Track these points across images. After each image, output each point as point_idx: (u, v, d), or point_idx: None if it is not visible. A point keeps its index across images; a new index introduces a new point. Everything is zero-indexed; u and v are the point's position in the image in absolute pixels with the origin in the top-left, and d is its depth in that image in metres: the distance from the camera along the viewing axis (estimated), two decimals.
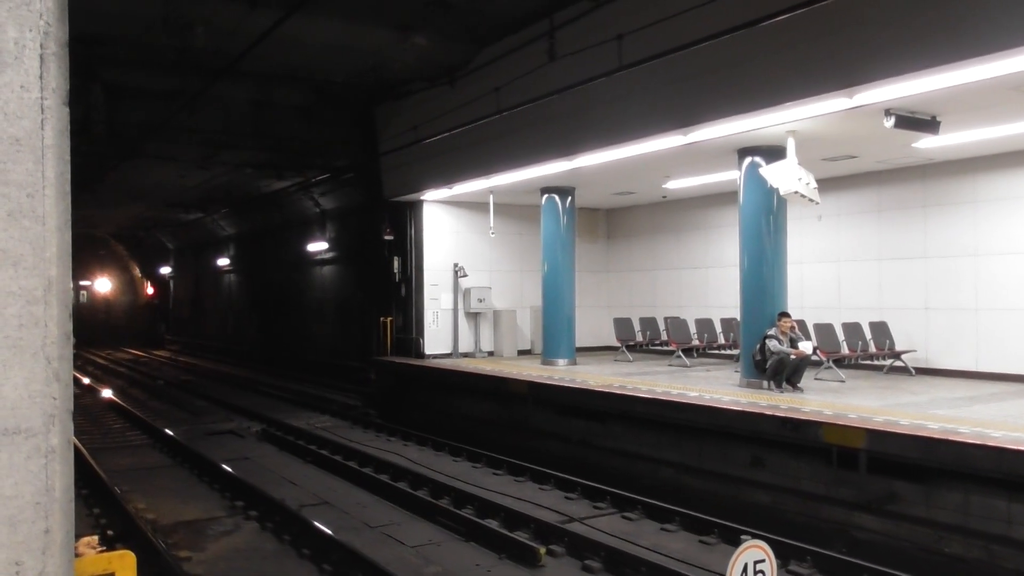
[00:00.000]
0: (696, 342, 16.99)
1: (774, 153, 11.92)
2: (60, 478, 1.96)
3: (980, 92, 9.16)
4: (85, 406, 18.93)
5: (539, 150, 14.21)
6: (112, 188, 24.01)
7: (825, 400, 11.09)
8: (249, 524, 9.54)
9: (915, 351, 14.13)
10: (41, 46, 1.93)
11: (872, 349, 14.11)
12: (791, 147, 11.46)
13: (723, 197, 17.27)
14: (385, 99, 18.68)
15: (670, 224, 19.83)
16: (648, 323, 18.37)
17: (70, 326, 2.02)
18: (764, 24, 8.72)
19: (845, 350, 13.97)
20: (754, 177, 12.35)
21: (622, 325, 18.44)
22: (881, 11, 8.91)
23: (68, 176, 2.02)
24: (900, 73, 8.69)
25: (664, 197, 18.87)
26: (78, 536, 2.30)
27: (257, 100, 18.25)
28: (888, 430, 8.79)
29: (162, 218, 33.98)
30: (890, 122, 9.92)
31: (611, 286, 21.49)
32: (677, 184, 16.57)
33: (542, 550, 8.14)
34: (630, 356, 17.78)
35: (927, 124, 10.34)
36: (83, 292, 44.50)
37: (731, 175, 13.72)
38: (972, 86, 8.76)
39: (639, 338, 18.14)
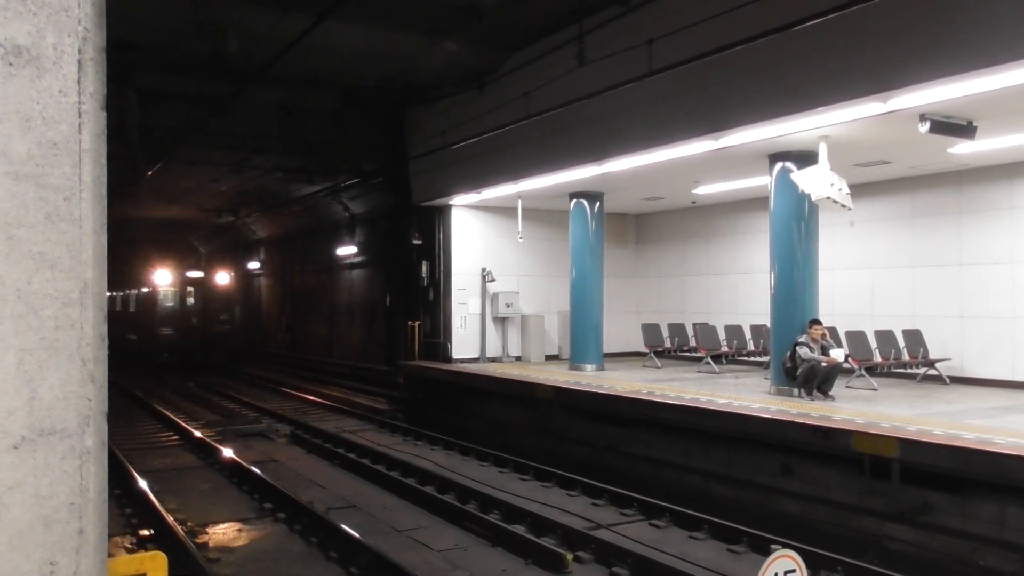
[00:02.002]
0: (725, 349, 16.85)
1: (806, 158, 11.80)
2: (94, 479, 1.98)
3: (1018, 96, 9.00)
4: (117, 407, 19.20)
5: (568, 155, 14.19)
6: (146, 192, 24.32)
7: (857, 408, 10.94)
8: (277, 526, 9.60)
9: (950, 359, 13.90)
10: (79, 51, 1.95)
11: (905, 357, 13.91)
12: (823, 152, 11.34)
13: (753, 203, 17.13)
14: (414, 104, 18.78)
15: (699, 229, 19.71)
16: (677, 329, 18.26)
17: (105, 328, 2.04)
18: (797, 28, 8.63)
19: (878, 358, 13.78)
20: (785, 182, 12.23)
21: (650, 331, 18.34)
22: (916, 14, 8.80)
23: (104, 180, 2.04)
24: (935, 77, 8.57)
25: (694, 202, 18.77)
26: (111, 536, 2.33)
27: (288, 105, 18.43)
28: (922, 439, 8.65)
29: (194, 222, 34.37)
30: (925, 127, 9.77)
31: (639, 292, 21.39)
32: (707, 189, 16.47)
33: (569, 556, 8.10)
34: (658, 362, 17.68)
35: (963, 129, 10.17)
36: (190, 290, 33.94)
37: (762, 180, 13.61)
38: (1009, 90, 8.61)
39: (667, 344, 18.03)
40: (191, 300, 32.96)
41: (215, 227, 34.90)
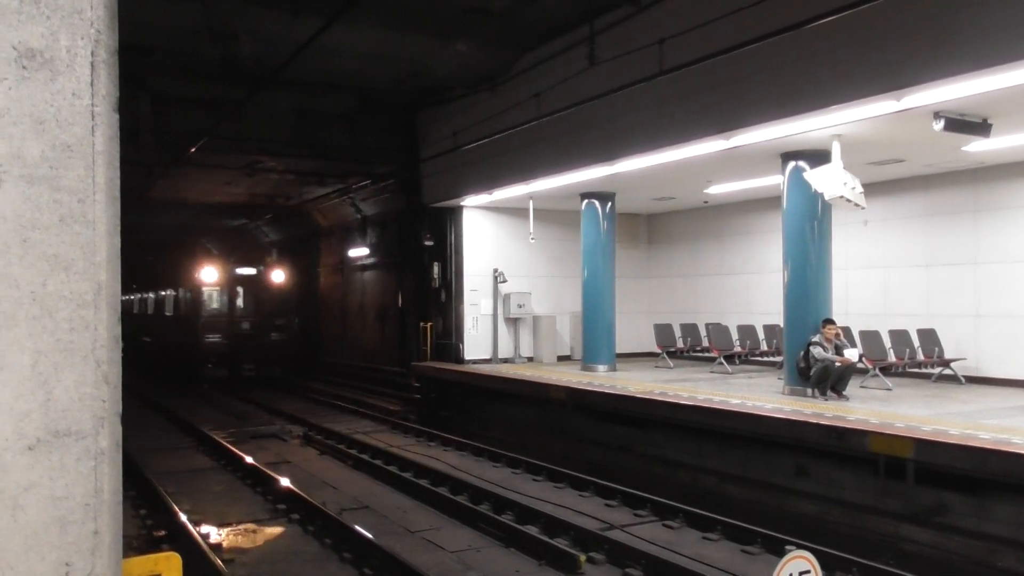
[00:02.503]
0: (738, 349, 16.79)
1: (819, 157, 11.74)
2: (109, 480, 1.98)
3: None
4: (131, 409, 19.30)
5: (579, 155, 14.18)
6: (159, 195, 24.45)
7: (871, 408, 10.88)
8: (291, 527, 9.63)
9: (965, 359, 13.80)
10: (92, 54, 1.96)
11: (920, 357, 13.82)
12: (836, 151, 11.28)
13: (766, 202, 17.06)
14: (426, 106, 18.80)
15: (711, 229, 19.65)
16: (689, 329, 18.21)
17: (119, 330, 2.04)
18: (809, 26, 8.59)
19: (892, 358, 13.69)
20: (798, 182, 12.18)
21: (663, 331, 18.30)
22: (929, 10, 8.74)
23: (117, 182, 2.05)
24: (950, 75, 8.51)
25: (705, 202, 18.71)
26: (125, 537, 2.33)
27: (300, 108, 18.49)
28: (937, 440, 8.59)
29: (206, 225, 34.47)
30: (939, 125, 9.71)
31: (652, 292, 21.34)
32: (719, 189, 16.41)
33: (582, 557, 8.09)
34: (671, 363, 17.63)
35: (978, 127, 10.10)
36: (238, 290, 26.57)
37: (774, 180, 13.56)
38: None
39: (680, 344, 17.98)
40: (241, 301, 26.21)
41: (226, 230, 34.95)
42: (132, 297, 38.30)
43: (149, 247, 39.39)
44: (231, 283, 25.89)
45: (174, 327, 28.43)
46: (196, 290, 25.61)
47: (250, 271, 26.59)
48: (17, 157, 1.88)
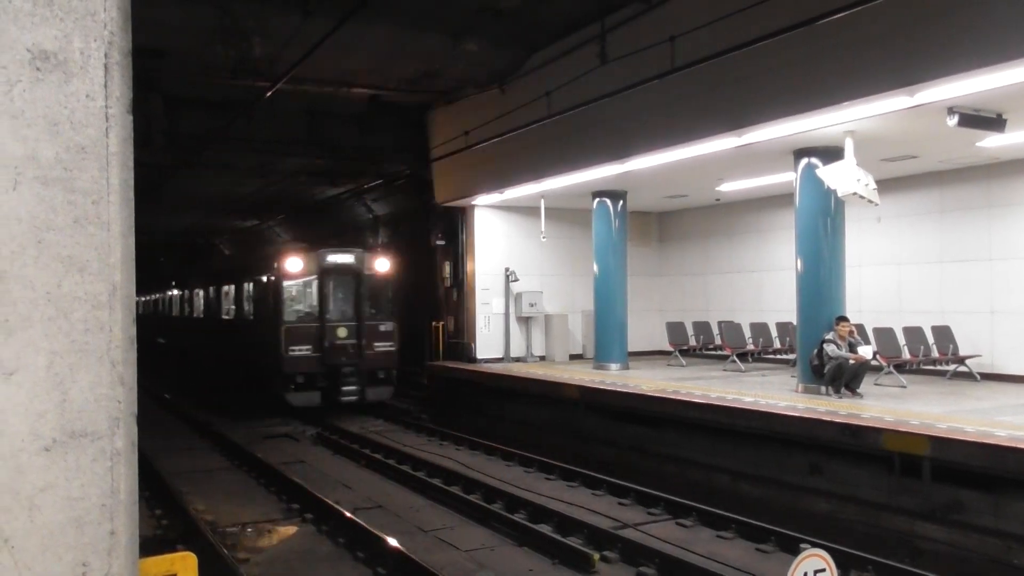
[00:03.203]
0: (751, 347, 16.73)
1: (831, 154, 11.69)
2: (125, 480, 1.99)
3: None
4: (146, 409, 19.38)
5: (591, 153, 14.16)
6: (171, 196, 24.57)
7: (886, 406, 10.81)
8: (305, 527, 9.65)
9: (980, 356, 13.71)
10: (106, 55, 1.96)
11: (935, 354, 13.74)
12: (849, 147, 11.22)
13: (778, 199, 16.99)
14: (437, 105, 18.81)
15: (724, 227, 19.58)
16: (701, 327, 18.15)
17: (134, 330, 2.05)
18: (821, 22, 8.54)
19: (906, 355, 13.62)
20: (811, 179, 12.12)
21: (675, 329, 18.25)
22: (942, 5, 8.67)
23: (131, 183, 2.05)
24: (963, 70, 8.44)
25: (717, 200, 18.65)
26: (141, 537, 2.34)
27: (311, 108, 18.53)
28: (953, 437, 8.53)
29: (218, 225, 34.59)
30: (953, 121, 9.65)
31: (663, 290, 21.29)
32: (731, 186, 16.35)
33: (596, 556, 8.07)
34: (683, 361, 17.58)
35: (992, 122, 10.03)
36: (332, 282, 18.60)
37: (787, 177, 13.50)
38: None
39: (692, 343, 17.92)
40: (337, 299, 18.50)
41: (239, 231, 34.95)
42: (167, 296, 31.52)
43: (195, 232, 34.41)
44: (322, 275, 18.13)
45: (239, 337, 21.11)
46: (274, 286, 18.13)
47: (346, 258, 18.43)
48: (32, 159, 1.89)
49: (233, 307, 22.28)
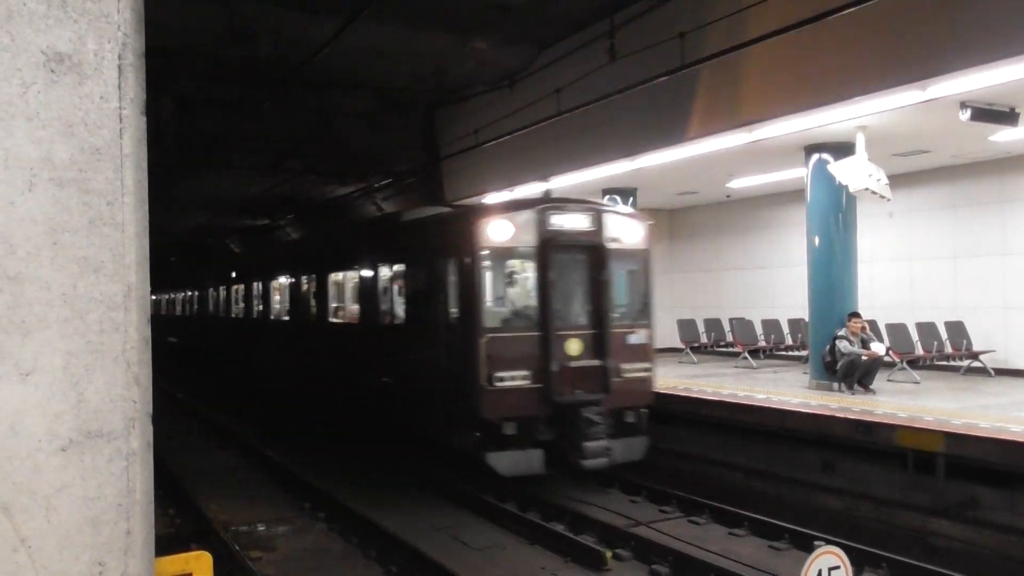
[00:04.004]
0: (762, 343, 16.67)
1: (843, 149, 11.64)
2: (140, 480, 2.00)
3: None
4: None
5: (600, 150, 14.13)
6: (182, 196, 24.66)
7: (899, 402, 10.76)
8: (317, 525, 9.67)
9: (994, 351, 13.63)
10: (119, 57, 1.97)
11: (948, 350, 13.67)
12: (861, 143, 11.17)
13: (789, 195, 16.92)
14: (446, 103, 18.81)
15: (734, 224, 19.52)
16: (713, 324, 18.10)
17: (148, 331, 2.06)
18: (832, 17, 8.49)
19: (919, 351, 13.55)
20: (822, 174, 12.07)
21: (686, 326, 18.20)
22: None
23: (145, 184, 2.06)
24: (976, 63, 8.38)
25: (728, 196, 18.59)
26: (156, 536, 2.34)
27: (320, 107, 18.55)
28: (968, 433, 8.48)
29: (227, 225, 34.65)
30: (966, 115, 9.59)
31: (674, 287, 21.23)
32: (741, 183, 16.30)
33: (608, 554, 8.06)
34: (694, 358, 17.53)
35: (1005, 116, 9.97)
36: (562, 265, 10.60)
37: (798, 173, 13.44)
38: None
39: (703, 339, 17.87)
40: (568, 293, 10.75)
41: (248, 230, 34.95)
42: (239, 289, 22.21)
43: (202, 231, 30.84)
44: (543, 248, 10.45)
45: (366, 348, 13.48)
46: (461, 268, 10.58)
47: (580, 221, 10.80)
48: (47, 160, 1.89)
49: (348, 304, 14.79)
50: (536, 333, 10.19)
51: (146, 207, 2.05)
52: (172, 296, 32.16)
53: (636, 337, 10.84)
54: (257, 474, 12.64)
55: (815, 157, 12.35)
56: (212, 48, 14.19)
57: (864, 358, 11.69)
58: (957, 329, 13.85)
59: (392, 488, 11.29)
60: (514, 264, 10.81)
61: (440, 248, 11.07)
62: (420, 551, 7.96)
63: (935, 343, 13.58)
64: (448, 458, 11.37)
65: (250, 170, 21.64)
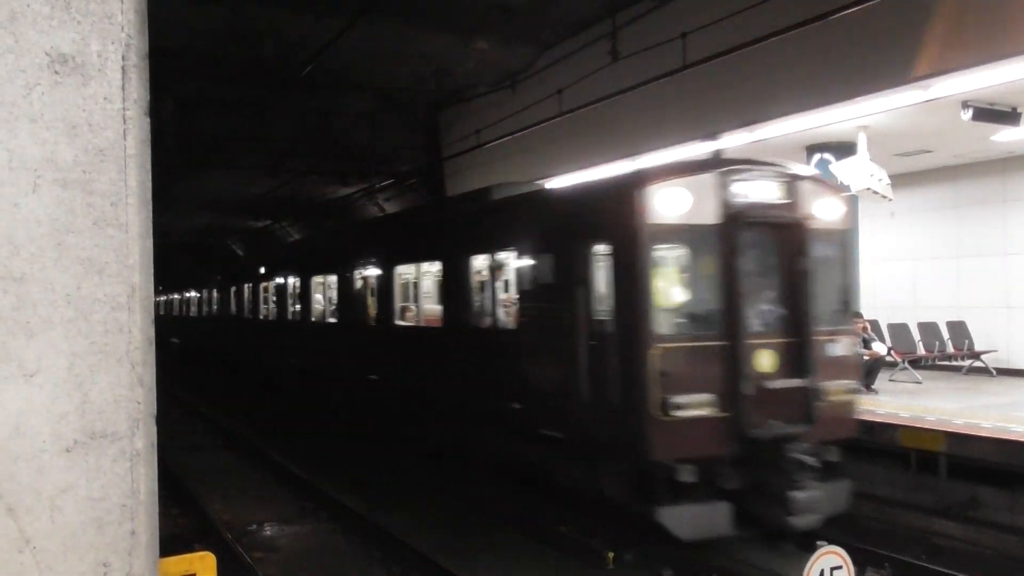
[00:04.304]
0: None
1: (844, 149, 11.63)
2: (145, 481, 2.00)
3: None
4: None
5: (603, 151, 14.11)
6: (183, 197, 24.67)
7: (901, 402, 10.75)
8: (321, 525, 9.67)
9: (996, 351, 13.61)
10: (123, 58, 1.97)
11: (950, 349, 13.64)
12: (863, 142, 11.16)
13: None
14: (448, 104, 18.81)
15: None
16: None
17: (152, 331, 2.06)
18: (834, 17, 8.49)
19: (921, 351, 13.53)
20: (824, 174, 12.05)
21: None
22: None
23: (149, 185, 2.06)
24: (978, 63, 8.37)
25: None
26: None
27: (323, 108, 18.55)
28: (970, 433, 8.47)
29: (229, 226, 34.64)
30: (968, 115, 9.59)
31: None
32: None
33: (611, 554, 8.05)
34: None
35: (1007, 116, 9.97)
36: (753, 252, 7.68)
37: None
38: None
39: None
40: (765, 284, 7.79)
41: (249, 231, 34.80)
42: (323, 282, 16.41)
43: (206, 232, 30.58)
44: (728, 227, 7.50)
45: (482, 362, 10.06)
46: (620, 255, 7.60)
47: (771, 189, 7.86)
48: (51, 161, 1.89)
49: (423, 303, 12.41)
50: (721, 343, 7.42)
51: (150, 208, 2.05)
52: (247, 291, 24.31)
53: (838, 347, 8.12)
54: (260, 473, 12.63)
55: (817, 157, 12.35)
56: (214, 49, 14.21)
57: (866, 358, 11.67)
58: (959, 329, 13.83)
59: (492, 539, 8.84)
60: (688, 248, 7.89)
61: (579, 229, 8.14)
62: (423, 551, 7.92)
63: (937, 343, 13.56)
64: (586, 507, 8.70)
65: (252, 170, 21.66)
